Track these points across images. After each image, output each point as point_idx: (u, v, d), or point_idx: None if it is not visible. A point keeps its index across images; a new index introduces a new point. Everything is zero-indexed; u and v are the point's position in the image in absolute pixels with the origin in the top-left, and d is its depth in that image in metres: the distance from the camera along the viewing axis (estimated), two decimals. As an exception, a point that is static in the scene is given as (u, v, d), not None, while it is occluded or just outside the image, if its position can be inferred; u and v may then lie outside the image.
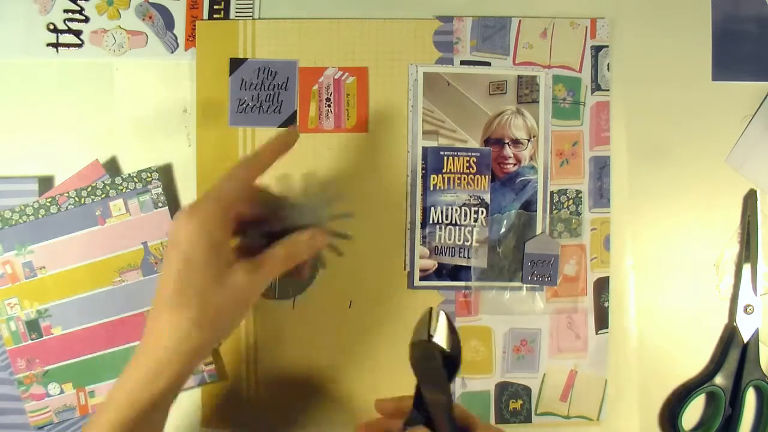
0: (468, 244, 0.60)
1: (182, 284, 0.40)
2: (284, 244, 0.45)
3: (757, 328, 0.59)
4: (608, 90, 0.60)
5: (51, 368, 0.58)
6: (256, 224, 0.47)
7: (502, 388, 0.59)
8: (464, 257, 0.60)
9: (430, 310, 0.38)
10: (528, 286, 0.59)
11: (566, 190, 0.60)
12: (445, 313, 0.38)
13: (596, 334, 0.60)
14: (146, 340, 0.41)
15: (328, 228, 0.49)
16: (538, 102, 0.60)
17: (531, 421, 0.59)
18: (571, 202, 0.60)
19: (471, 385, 0.59)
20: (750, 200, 0.60)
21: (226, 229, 0.42)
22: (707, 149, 0.61)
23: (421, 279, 0.59)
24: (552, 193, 0.60)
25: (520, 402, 0.59)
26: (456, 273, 0.59)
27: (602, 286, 0.60)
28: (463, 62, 0.60)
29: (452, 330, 0.38)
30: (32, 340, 0.58)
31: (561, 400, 0.60)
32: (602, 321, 0.60)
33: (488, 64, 0.60)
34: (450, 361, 0.38)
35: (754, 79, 0.61)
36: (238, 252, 0.45)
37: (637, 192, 0.61)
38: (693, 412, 0.60)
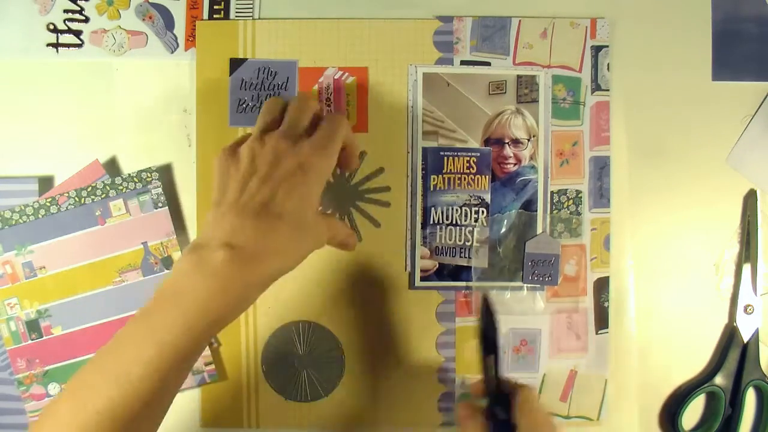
0: (469, 244, 0.60)
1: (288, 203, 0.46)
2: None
3: (757, 328, 0.59)
4: (608, 90, 0.60)
5: (51, 368, 0.58)
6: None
7: (503, 388, 0.59)
8: (465, 257, 0.60)
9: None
10: (529, 285, 0.59)
11: (566, 190, 0.60)
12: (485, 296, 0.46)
13: (596, 334, 0.60)
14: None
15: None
16: (538, 101, 0.60)
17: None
18: (571, 202, 0.60)
19: (471, 385, 0.59)
20: (750, 200, 0.60)
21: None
22: (707, 149, 0.61)
23: (422, 279, 0.59)
24: (552, 193, 0.60)
25: (520, 402, 0.59)
26: (457, 273, 0.59)
27: (602, 286, 0.60)
28: (463, 62, 0.60)
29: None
30: (32, 340, 0.58)
31: (561, 400, 0.60)
32: (602, 321, 0.60)
33: (488, 64, 0.60)
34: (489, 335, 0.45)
35: (754, 79, 0.61)
36: None
37: (637, 192, 0.61)
38: (693, 412, 0.60)
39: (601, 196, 0.60)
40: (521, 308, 0.59)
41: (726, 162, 0.61)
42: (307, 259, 0.59)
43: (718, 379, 0.59)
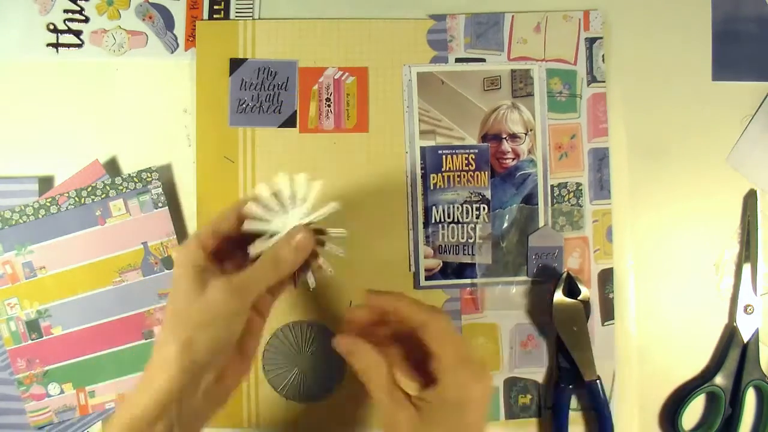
0: (471, 241, 0.60)
1: (170, 305, 0.43)
2: (267, 252, 0.43)
3: (757, 328, 0.59)
4: (604, 81, 0.60)
5: (51, 368, 0.58)
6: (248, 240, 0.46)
7: (511, 383, 0.59)
8: (468, 254, 0.60)
9: None
10: (534, 280, 0.59)
11: (566, 183, 0.60)
12: None
13: (602, 326, 0.60)
14: (149, 362, 0.42)
15: (316, 227, 0.46)
16: (533, 95, 0.60)
17: (540, 416, 0.59)
18: (571, 194, 0.60)
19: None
20: (750, 200, 0.60)
21: (205, 250, 0.43)
22: (707, 149, 0.61)
23: (427, 279, 0.59)
24: (552, 186, 0.60)
25: (529, 397, 0.59)
26: (461, 271, 0.59)
27: (606, 277, 0.60)
28: (458, 60, 0.60)
29: None
30: (32, 340, 0.58)
31: None
32: (608, 313, 0.60)
33: (483, 60, 0.60)
34: None
35: (754, 79, 0.61)
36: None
37: (637, 190, 0.61)
38: (693, 412, 0.60)
39: (602, 187, 0.60)
40: (527, 303, 0.60)
41: (726, 162, 0.61)
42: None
43: (718, 379, 0.59)
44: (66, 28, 0.60)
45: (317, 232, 0.45)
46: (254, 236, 0.44)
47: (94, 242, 0.58)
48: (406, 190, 0.60)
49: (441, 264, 0.60)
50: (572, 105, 0.60)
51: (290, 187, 0.45)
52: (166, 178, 0.59)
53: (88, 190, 0.58)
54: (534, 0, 0.61)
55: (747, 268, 0.60)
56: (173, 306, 0.42)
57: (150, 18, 0.60)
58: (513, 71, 0.60)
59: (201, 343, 0.40)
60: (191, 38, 0.60)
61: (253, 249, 0.44)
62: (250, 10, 0.60)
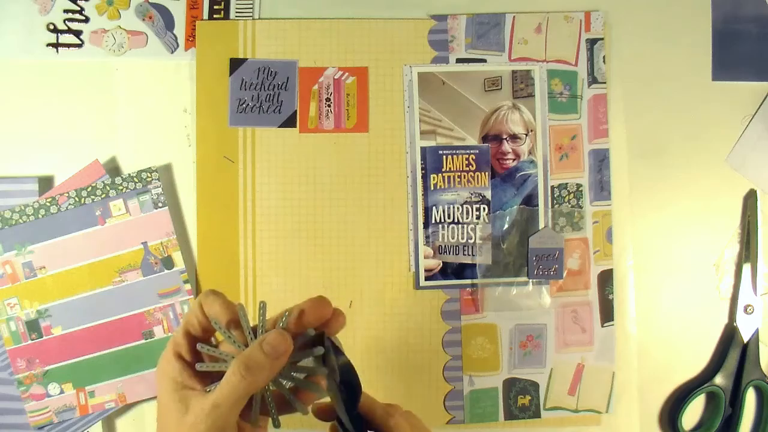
0: (471, 241, 0.60)
1: (158, 422, 0.39)
2: (237, 357, 0.38)
3: (757, 328, 0.59)
4: (605, 83, 0.60)
5: (51, 368, 0.58)
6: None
7: (510, 384, 0.60)
8: (468, 255, 0.60)
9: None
10: (534, 281, 0.59)
11: (566, 184, 0.60)
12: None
13: (602, 326, 0.60)
14: None
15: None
16: (534, 96, 0.60)
17: (540, 416, 0.60)
18: (572, 195, 0.60)
19: (479, 382, 0.59)
20: (750, 200, 0.60)
21: (181, 356, 0.39)
22: (707, 149, 0.61)
23: (427, 279, 0.59)
24: (552, 187, 0.60)
25: (528, 398, 0.60)
26: (461, 271, 0.60)
27: (606, 278, 0.60)
28: (458, 60, 0.60)
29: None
30: (32, 340, 0.58)
31: (569, 394, 0.60)
32: (607, 313, 0.60)
33: (484, 60, 0.60)
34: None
35: (754, 79, 0.61)
36: None
37: (637, 191, 0.61)
38: (693, 412, 0.60)
39: (602, 188, 0.60)
40: (528, 304, 0.60)
41: (726, 162, 0.61)
42: (308, 260, 0.59)
43: (718, 379, 0.59)
44: (66, 28, 0.60)
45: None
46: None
47: (94, 242, 0.58)
48: (406, 191, 0.60)
49: (441, 264, 0.60)
50: (573, 106, 0.60)
51: (249, 320, 0.39)
52: (166, 178, 0.59)
53: (88, 190, 0.58)
54: (535, 1, 0.61)
55: (747, 268, 0.60)
56: (160, 426, 0.39)
57: (150, 18, 0.60)
58: (514, 72, 0.60)
59: None
60: (191, 38, 0.60)
61: (200, 366, 0.38)
62: (250, 10, 0.60)
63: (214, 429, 0.36)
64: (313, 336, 0.39)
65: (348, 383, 0.38)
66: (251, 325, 0.39)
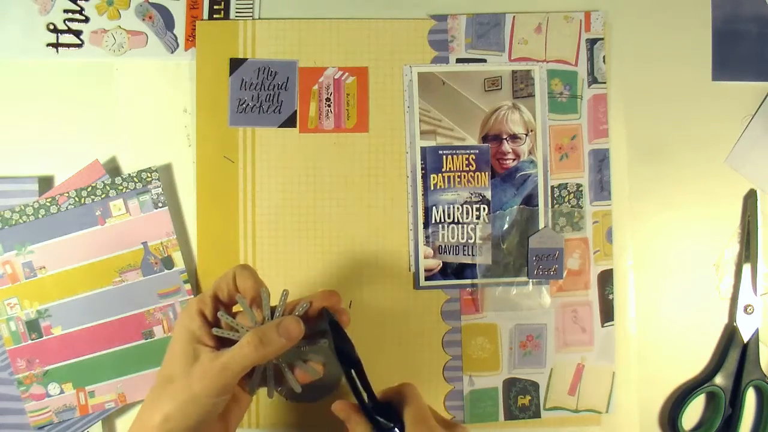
0: (471, 241, 0.60)
1: (163, 368, 0.44)
2: (254, 330, 0.43)
3: (757, 328, 0.59)
4: (605, 83, 0.60)
5: (51, 368, 0.58)
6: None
7: (510, 384, 0.60)
8: (468, 255, 0.60)
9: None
10: (534, 281, 0.59)
11: (566, 184, 0.60)
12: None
13: (602, 326, 0.60)
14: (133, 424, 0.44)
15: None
16: (534, 96, 0.60)
17: (540, 416, 0.60)
18: (572, 195, 0.60)
19: (479, 382, 0.59)
20: (750, 200, 0.60)
21: (204, 315, 0.44)
22: (707, 149, 0.61)
23: (427, 279, 0.59)
24: (552, 187, 0.60)
25: (528, 398, 0.60)
26: (461, 271, 0.60)
27: (606, 278, 0.60)
28: (459, 60, 0.60)
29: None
30: (32, 340, 0.58)
31: (569, 394, 0.60)
32: (607, 314, 0.60)
33: (484, 60, 0.60)
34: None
35: (754, 79, 0.61)
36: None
37: (637, 191, 0.61)
38: (693, 412, 0.60)
39: (602, 188, 0.60)
40: (528, 304, 0.60)
41: (726, 162, 0.61)
42: (308, 260, 0.59)
43: (718, 379, 0.59)
44: (66, 28, 0.60)
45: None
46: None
47: (94, 242, 0.58)
48: (406, 190, 0.60)
49: (441, 264, 0.60)
50: (573, 106, 0.60)
51: (269, 302, 0.45)
52: (166, 178, 0.59)
53: (88, 190, 0.58)
54: (535, 1, 0.61)
55: (747, 268, 0.60)
56: (164, 371, 0.43)
57: (150, 18, 0.60)
58: (514, 72, 0.60)
59: (181, 420, 0.41)
60: (191, 38, 0.60)
61: (216, 331, 0.44)
62: (250, 10, 0.60)
63: (218, 386, 0.41)
64: (321, 329, 0.45)
65: (347, 355, 0.44)
66: (271, 306, 0.45)
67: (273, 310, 0.45)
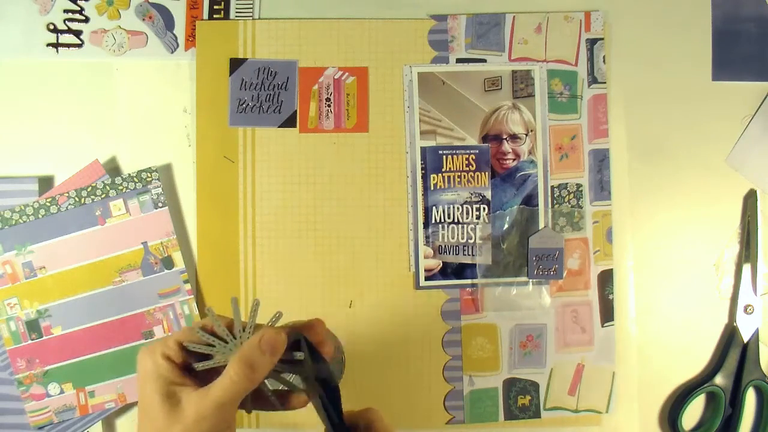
0: (471, 241, 0.60)
1: (146, 422, 0.39)
2: (238, 357, 0.39)
3: (757, 328, 0.59)
4: (605, 83, 0.61)
5: (51, 368, 0.58)
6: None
7: (510, 384, 0.60)
8: (468, 255, 0.60)
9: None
10: (534, 281, 0.59)
11: (566, 183, 0.60)
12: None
13: (602, 326, 0.60)
14: None
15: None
16: (534, 96, 0.60)
17: (540, 416, 0.60)
18: (572, 195, 0.60)
19: (479, 382, 0.59)
20: (750, 200, 0.60)
21: (170, 364, 0.39)
22: (707, 149, 0.61)
23: (427, 279, 0.59)
24: (552, 187, 0.60)
25: (528, 398, 0.60)
26: (461, 271, 0.60)
27: (606, 278, 0.60)
28: (458, 60, 0.60)
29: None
30: (32, 340, 0.58)
31: (569, 394, 0.60)
32: (607, 314, 0.60)
33: (484, 60, 0.60)
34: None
35: (754, 79, 0.61)
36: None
37: (637, 191, 0.61)
38: (693, 412, 0.60)
39: (602, 188, 0.60)
40: (528, 304, 0.60)
41: (726, 162, 0.61)
42: (308, 260, 0.59)
43: (718, 379, 0.59)
44: (66, 28, 0.60)
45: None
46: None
47: (94, 242, 0.58)
48: (406, 190, 0.60)
49: (441, 264, 0.60)
50: (573, 106, 0.60)
51: (240, 316, 0.41)
52: (166, 178, 0.59)
53: (88, 190, 0.58)
54: (535, 1, 0.61)
55: (747, 268, 0.60)
56: (151, 425, 0.38)
57: (150, 18, 0.60)
58: (514, 72, 0.60)
59: None
60: (191, 38, 0.60)
61: (199, 366, 0.40)
62: (250, 10, 0.60)
63: (221, 425, 0.38)
64: (295, 339, 0.41)
65: (325, 382, 0.40)
66: (242, 321, 0.40)
67: (243, 326, 0.40)
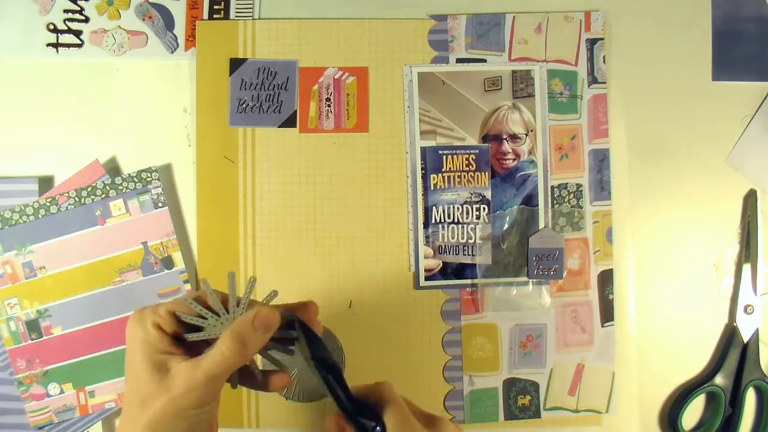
0: (471, 241, 0.60)
1: (133, 390, 0.39)
2: (230, 332, 0.39)
3: (757, 328, 0.59)
4: (605, 83, 0.61)
5: (51, 368, 0.58)
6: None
7: (510, 384, 0.60)
8: (468, 255, 0.60)
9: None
10: (534, 281, 0.59)
11: (566, 183, 0.60)
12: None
13: (602, 326, 0.60)
14: None
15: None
16: (534, 96, 0.60)
17: (540, 417, 0.60)
18: (572, 195, 0.60)
19: (479, 382, 0.59)
20: (750, 200, 0.60)
21: (160, 332, 0.39)
22: (707, 149, 0.61)
23: (427, 279, 0.59)
24: (552, 187, 0.60)
25: (528, 398, 0.60)
26: (461, 271, 0.60)
27: (606, 278, 0.60)
28: (458, 60, 0.60)
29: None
30: (32, 340, 0.58)
31: (569, 394, 0.60)
32: (607, 314, 0.60)
33: (484, 60, 0.60)
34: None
35: (754, 79, 0.61)
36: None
37: (637, 191, 0.61)
38: (693, 412, 0.60)
39: (602, 188, 0.60)
40: (528, 304, 0.60)
41: (726, 162, 0.61)
42: (308, 260, 0.59)
43: (718, 379, 0.59)
44: (66, 28, 0.60)
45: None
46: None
47: (94, 242, 0.58)
48: (406, 190, 0.60)
49: (441, 264, 0.60)
50: (573, 106, 0.60)
51: (235, 291, 0.41)
52: (166, 178, 0.59)
53: (88, 190, 0.58)
54: (535, 1, 0.61)
55: (747, 268, 0.60)
56: (132, 393, 0.39)
57: (150, 18, 0.60)
58: (514, 72, 0.60)
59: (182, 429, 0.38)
60: (191, 38, 0.60)
61: (191, 337, 0.40)
62: (250, 10, 0.60)
63: (206, 396, 0.38)
64: (289, 319, 0.41)
65: (322, 360, 0.41)
66: (237, 296, 0.41)
67: (238, 301, 0.41)
